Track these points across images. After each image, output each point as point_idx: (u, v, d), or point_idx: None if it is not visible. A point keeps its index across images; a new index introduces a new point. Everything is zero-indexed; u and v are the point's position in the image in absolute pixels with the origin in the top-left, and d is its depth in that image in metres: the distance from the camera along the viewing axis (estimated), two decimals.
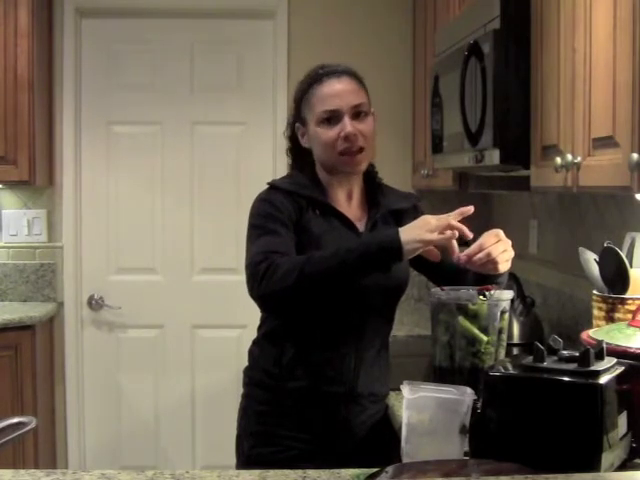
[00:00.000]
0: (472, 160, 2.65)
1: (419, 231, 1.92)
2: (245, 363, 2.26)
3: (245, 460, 2.18)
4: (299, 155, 2.24)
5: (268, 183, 2.21)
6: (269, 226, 2.07)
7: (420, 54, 4.02)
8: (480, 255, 1.95)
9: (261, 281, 1.96)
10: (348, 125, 2.11)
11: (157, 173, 4.31)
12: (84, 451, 4.32)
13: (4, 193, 4.22)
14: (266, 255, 1.99)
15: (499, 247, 1.97)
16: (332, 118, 2.12)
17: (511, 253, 2.01)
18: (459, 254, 1.95)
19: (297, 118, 2.20)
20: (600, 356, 1.64)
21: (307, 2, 4.26)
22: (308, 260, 1.97)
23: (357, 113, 2.13)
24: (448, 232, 1.91)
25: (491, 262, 1.96)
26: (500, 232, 1.99)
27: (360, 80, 2.18)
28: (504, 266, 2.00)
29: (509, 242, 2.00)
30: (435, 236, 1.91)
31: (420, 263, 2.17)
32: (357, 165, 2.16)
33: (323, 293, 2.00)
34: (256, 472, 1.68)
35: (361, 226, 2.18)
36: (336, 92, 2.12)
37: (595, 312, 2.27)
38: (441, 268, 2.18)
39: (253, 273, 1.99)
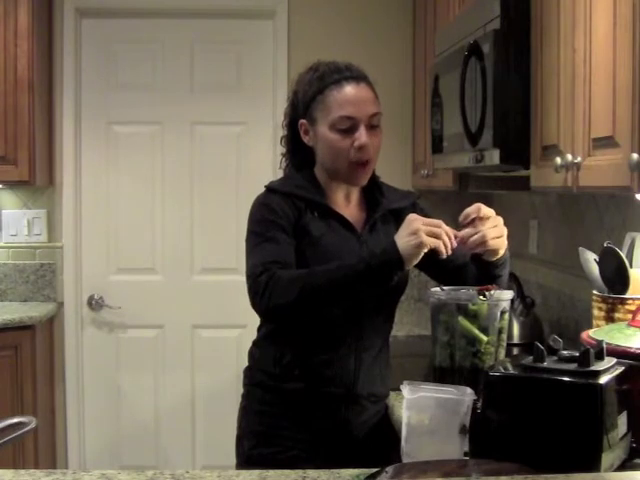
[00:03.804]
0: (472, 160, 2.65)
1: (411, 235, 1.92)
2: (245, 363, 2.26)
3: (245, 460, 2.18)
4: (297, 151, 2.22)
5: (266, 186, 2.19)
6: (268, 233, 2.06)
7: (420, 54, 4.02)
8: (476, 237, 1.96)
9: (262, 295, 1.96)
10: (364, 135, 2.08)
11: (157, 173, 4.31)
12: (84, 451, 4.32)
13: (4, 193, 4.22)
14: (266, 266, 1.99)
15: (493, 231, 1.99)
16: (348, 125, 2.08)
17: (504, 230, 2.02)
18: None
19: (303, 115, 2.16)
20: (600, 356, 1.64)
21: (307, 2, 4.26)
22: (309, 275, 1.97)
23: (371, 124, 2.10)
24: (444, 237, 1.92)
25: (485, 243, 1.98)
26: (485, 207, 1.99)
27: (373, 87, 2.15)
28: (497, 242, 2.01)
29: (500, 219, 2.01)
30: (428, 238, 1.91)
31: (421, 260, 2.16)
32: (363, 178, 2.15)
33: (324, 308, 2.02)
34: (256, 472, 1.68)
35: (360, 227, 2.17)
36: (356, 99, 2.09)
37: (595, 312, 2.27)
38: (443, 265, 2.18)
39: (254, 286, 1.99)
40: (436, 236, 1.91)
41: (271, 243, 2.05)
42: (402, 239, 1.92)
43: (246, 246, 2.10)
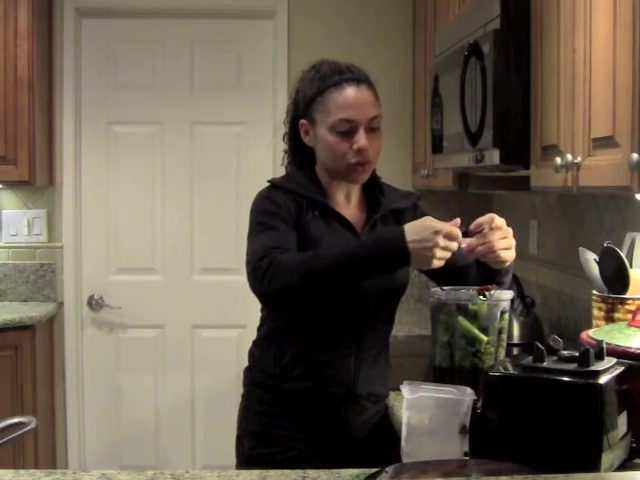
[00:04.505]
0: (472, 160, 2.65)
1: (426, 249, 1.88)
2: (245, 363, 2.26)
3: (245, 460, 2.18)
4: (298, 149, 2.22)
5: (269, 181, 2.20)
6: (270, 222, 2.06)
7: (420, 54, 4.02)
8: (484, 247, 1.95)
9: (263, 277, 1.94)
10: (362, 138, 2.07)
11: (157, 173, 4.31)
12: (84, 451, 4.32)
13: (4, 193, 4.22)
14: (267, 251, 1.97)
15: (502, 243, 1.97)
16: (347, 128, 2.08)
17: (512, 241, 2.01)
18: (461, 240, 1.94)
19: (304, 115, 2.15)
20: (600, 356, 1.64)
21: (307, 2, 4.26)
22: (312, 258, 1.95)
23: (371, 127, 2.09)
24: (454, 244, 1.91)
25: (492, 253, 1.97)
26: (498, 218, 1.98)
27: (374, 88, 2.14)
28: (506, 254, 1.99)
29: (510, 231, 2.00)
30: (441, 260, 1.89)
31: None
32: (363, 176, 2.14)
33: (325, 292, 1.99)
34: (256, 472, 1.68)
35: (360, 227, 2.17)
36: (356, 102, 2.08)
37: (595, 312, 2.27)
38: (443, 267, 2.18)
39: (255, 269, 1.97)
40: (448, 249, 1.89)
41: (273, 231, 2.04)
42: (415, 243, 1.87)
43: (248, 236, 2.09)
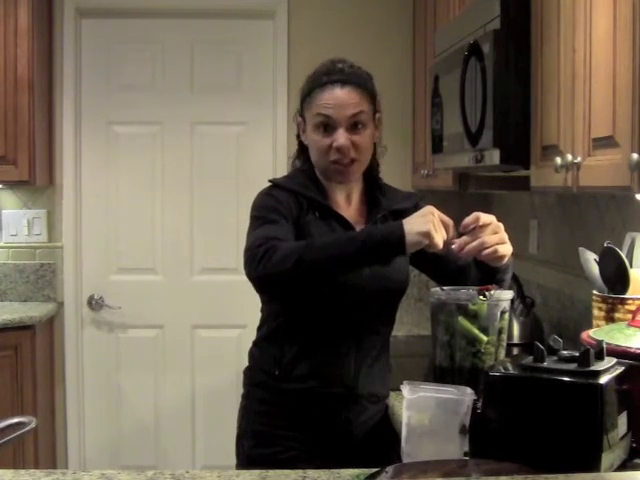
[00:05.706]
0: (472, 160, 2.65)
1: (422, 224, 1.89)
2: (245, 363, 2.26)
3: (245, 460, 2.18)
4: (304, 148, 2.24)
5: (270, 180, 2.21)
6: (270, 217, 2.07)
7: (420, 54, 4.02)
8: (474, 244, 1.94)
9: (259, 262, 1.94)
10: (341, 137, 2.09)
11: (157, 173, 4.31)
12: (84, 451, 4.32)
13: (4, 193, 4.22)
14: (265, 240, 1.98)
15: (494, 238, 1.96)
16: (327, 126, 2.10)
17: (505, 235, 1.99)
18: (453, 241, 1.94)
19: (301, 113, 2.20)
20: (600, 356, 1.64)
21: (307, 2, 4.26)
22: (308, 245, 1.95)
23: (354, 124, 2.11)
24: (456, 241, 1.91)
25: (485, 250, 1.95)
26: (484, 216, 1.98)
27: (366, 88, 2.14)
28: (503, 248, 1.98)
29: (501, 226, 1.99)
30: (435, 233, 1.89)
31: (422, 260, 2.16)
32: (347, 176, 2.15)
33: (321, 280, 1.98)
34: (256, 472, 1.68)
35: (360, 228, 2.17)
36: (335, 101, 2.10)
37: (595, 312, 2.27)
38: (443, 266, 2.18)
39: (251, 255, 1.97)
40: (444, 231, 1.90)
41: (272, 224, 2.05)
42: (411, 224, 1.89)
43: (248, 230, 2.10)
